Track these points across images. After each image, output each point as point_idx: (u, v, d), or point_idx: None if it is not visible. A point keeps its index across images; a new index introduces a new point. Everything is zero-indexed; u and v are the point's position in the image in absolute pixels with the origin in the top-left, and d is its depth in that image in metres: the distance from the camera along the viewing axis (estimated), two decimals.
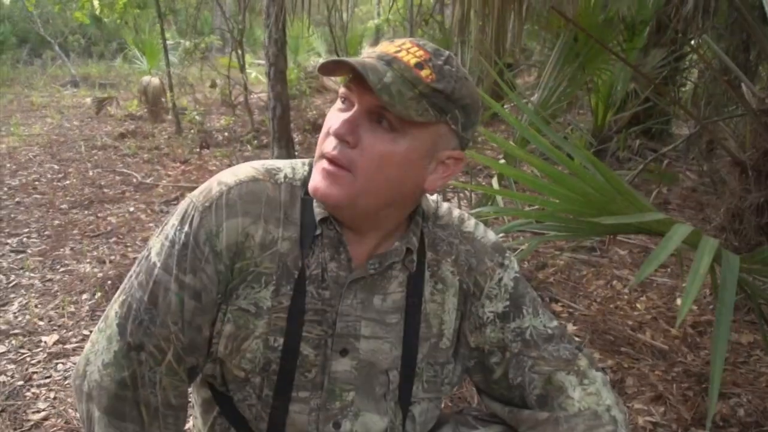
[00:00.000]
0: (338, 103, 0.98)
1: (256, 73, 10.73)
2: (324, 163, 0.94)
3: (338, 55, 7.34)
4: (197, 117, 7.45)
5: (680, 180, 5.12)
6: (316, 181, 0.95)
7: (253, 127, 7.32)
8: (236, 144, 7.02)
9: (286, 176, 1.05)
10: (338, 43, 7.35)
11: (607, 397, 1.08)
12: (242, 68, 7.52)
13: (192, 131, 7.44)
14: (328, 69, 0.92)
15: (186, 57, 9.48)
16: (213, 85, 10.53)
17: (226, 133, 7.52)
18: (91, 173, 5.70)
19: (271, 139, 5.49)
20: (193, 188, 1.07)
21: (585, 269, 3.50)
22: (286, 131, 5.43)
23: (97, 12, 10.37)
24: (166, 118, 8.32)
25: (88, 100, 9.91)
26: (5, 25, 15.93)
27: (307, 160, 1.09)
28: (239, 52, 7.53)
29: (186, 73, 10.31)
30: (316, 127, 7.43)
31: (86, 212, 4.58)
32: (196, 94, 9.51)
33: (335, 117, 0.95)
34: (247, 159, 6.08)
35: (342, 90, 0.97)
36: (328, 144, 0.95)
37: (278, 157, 5.36)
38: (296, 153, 5.88)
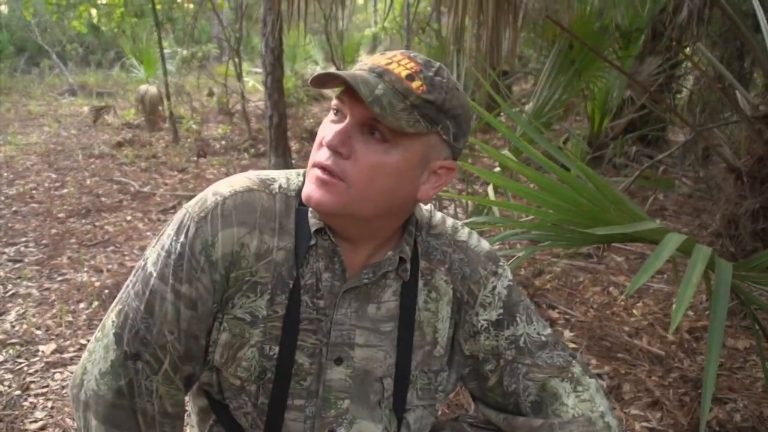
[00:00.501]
0: (331, 115, 0.99)
1: (254, 81, 10.76)
2: (317, 172, 0.95)
3: (335, 64, 7.37)
4: (194, 126, 7.46)
5: (676, 186, 5.14)
6: (310, 189, 0.96)
7: (250, 135, 7.33)
8: (233, 152, 7.03)
9: (280, 186, 1.06)
10: (335, 51, 7.36)
11: (600, 403, 1.09)
12: (239, 77, 7.55)
13: (189, 140, 7.45)
14: (320, 81, 0.93)
15: (183, 65, 9.52)
16: (210, 94, 10.54)
17: (223, 142, 7.52)
18: (88, 182, 5.70)
19: (268, 147, 5.50)
20: (191, 197, 1.08)
21: (582, 276, 3.51)
22: (283, 140, 5.44)
23: (95, 21, 10.42)
24: (164, 126, 8.33)
25: (86, 108, 9.92)
26: (3, 34, 15.95)
27: (301, 171, 1.10)
28: (236, 60, 7.55)
29: (183, 82, 10.34)
30: (314, 136, 7.41)
31: (84, 221, 4.58)
32: (193, 102, 9.52)
33: (328, 128, 0.96)
34: (244, 167, 6.10)
35: (334, 102, 0.98)
36: (321, 154, 0.96)
37: (275, 166, 5.38)
38: (293, 161, 5.89)
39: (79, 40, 15.98)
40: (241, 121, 7.98)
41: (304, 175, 1.07)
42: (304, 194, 0.97)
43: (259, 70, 10.96)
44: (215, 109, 9.62)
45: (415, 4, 7.89)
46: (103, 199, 5.17)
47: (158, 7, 8.01)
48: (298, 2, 3.67)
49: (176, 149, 7.12)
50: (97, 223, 4.53)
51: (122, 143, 7.38)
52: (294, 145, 7.05)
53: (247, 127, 7.46)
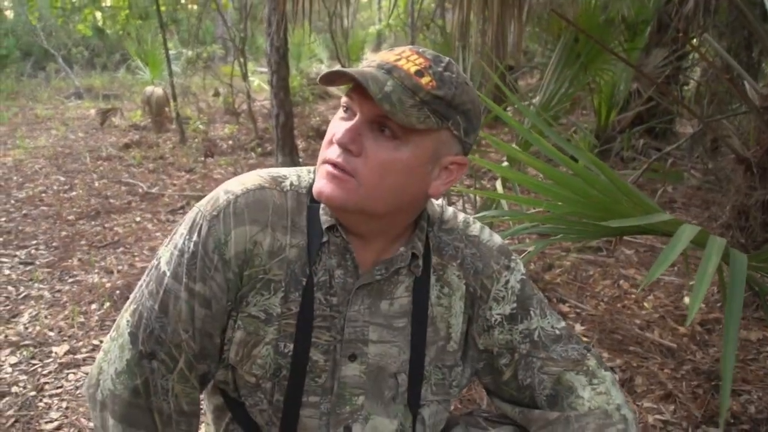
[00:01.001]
0: (340, 112, 0.99)
1: (259, 80, 10.76)
2: (328, 167, 0.95)
3: (340, 62, 7.37)
4: (201, 126, 7.45)
5: (685, 179, 5.12)
6: (321, 185, 0.95)
7: (256, 134, 7.33)
8: (240, 152, 7.03)
9: (292, 184, 1.07)
10: (340, 49, 7.36)
11: (616, 396, 1.09)
12: (245, 76, 7.55)
13: (196, 140, 7.46)
14: (328, 79, 0.93)
15: (188, 66, 9.53)
16: (216, 94, 10.55)
17: (230, 142, 7.52)
18: (96, 184, 5.72)
19: (275, 146, 5.51)
20: (199, 197, 1.09)
21: (592, 269, 3.50)
22: (289, 138, 5.45)
23: (100, 24, 10.44)
24: (170, 127, 8.34)
25: (93, 111, 9.96)
26: (9, 39, 16.01)
27: (312, 168, 1.10)
28: (241, 60, 7.55)
29: (189, 83, 10.35)
30: (320, 134, 7.44)
31: (93, 223, 4.60)
32: (199, 103, 9.53)
33: (338, 125, 0.96)
34: (251, 167, 6.10)
35: (344, 99, 0.98)
36: (331, 151, 0.96)
37: (282, 165, 5.39)
38: (300, 160, 5.89)
39: (85, 43, 16.04)
40: (248, 120, 7.99)
41: (314, 172, 1.07)
42: (315, 189, 0.97)
43: (264, 69, 10.94)
44: (221, 109, 9.63)
45: (420, 1, 7.88)
46: (111, 200, 5.19)
47: (162, 8, 8.01)
48: (302, 1, 3.67)
49: (183, 150, 7.13)
50: (106, 225, 4.54)
51: (129, 145, 7.38)
52: (300, 144, 7.05)
53: (253, 126, 7.46)
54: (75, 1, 10.52)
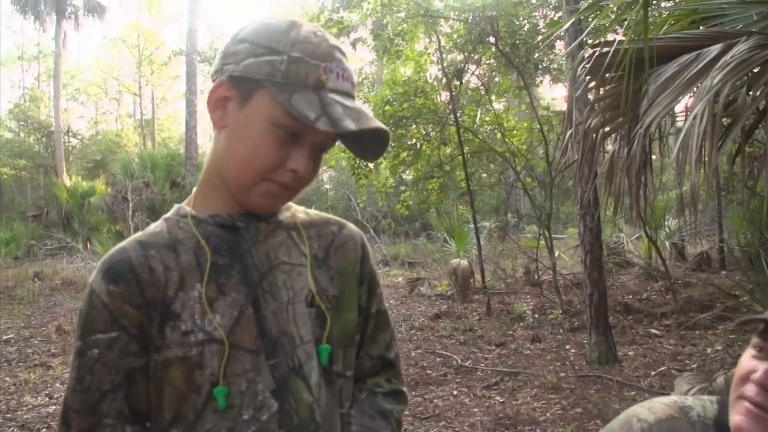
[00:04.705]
0: (751, 350, 1.02)
1: (558, 251, 10.87)
2: (747, 404, 0.97)
3: (645, 231, 7.16)
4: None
5: None
6: (740, 421, 0.98)
7: (562, 308, 7.29)
8: (547, 326, 6.96)
9: (698, 414, 1.11)
10: (647, 219, 7.20)
11: None
12: (551, 251, 7.69)
13: (502, 313, 7.62)
14: (745, 323, 1.04)
15: (490, 238, 10.01)
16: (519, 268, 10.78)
17: (536, 315, 7.53)
18: (413, 354, 6.06)
19: (588, 324, 5.44)
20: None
21: None
22: (603, 318, 5.35)
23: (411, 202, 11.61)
24: (474, 297, 8.70)
25: (401, 279, 10.83)
26: (329, 211, 18.63)
27: (714, 398, 1.14)
28: (547, 235, 7.74)
29: (491, 254, 10.79)
30: (628, 309, 7.16)
31: (413, 393, 4.82)
32: (498, 270, 9.84)
33: (753, 364, 0.99)
34: (561, 343, 5.95)
35: (756, 340, 1.01)
36: (749, 389, 0.98)
37: (596, 344, 5.27)
38: (614, 338, 5.66)
39: (392, 215, 17.90)
40: (551, 293, 8.03)
41: (719, 404, 1.12)
42: (734, 424, 0.99)
43: (560, 236, 11.05)
44: (522, 280, 9.82)
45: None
46: (428, 371, 5.44)
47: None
48: (620, 185, 3.73)
49: (490, 322, 7.32)
50: (425, 396, 4.74)
51: (439, 315, 7.78)
52: (610, 319, 6.82)
53: (558, 300, 7.45)
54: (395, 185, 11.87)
